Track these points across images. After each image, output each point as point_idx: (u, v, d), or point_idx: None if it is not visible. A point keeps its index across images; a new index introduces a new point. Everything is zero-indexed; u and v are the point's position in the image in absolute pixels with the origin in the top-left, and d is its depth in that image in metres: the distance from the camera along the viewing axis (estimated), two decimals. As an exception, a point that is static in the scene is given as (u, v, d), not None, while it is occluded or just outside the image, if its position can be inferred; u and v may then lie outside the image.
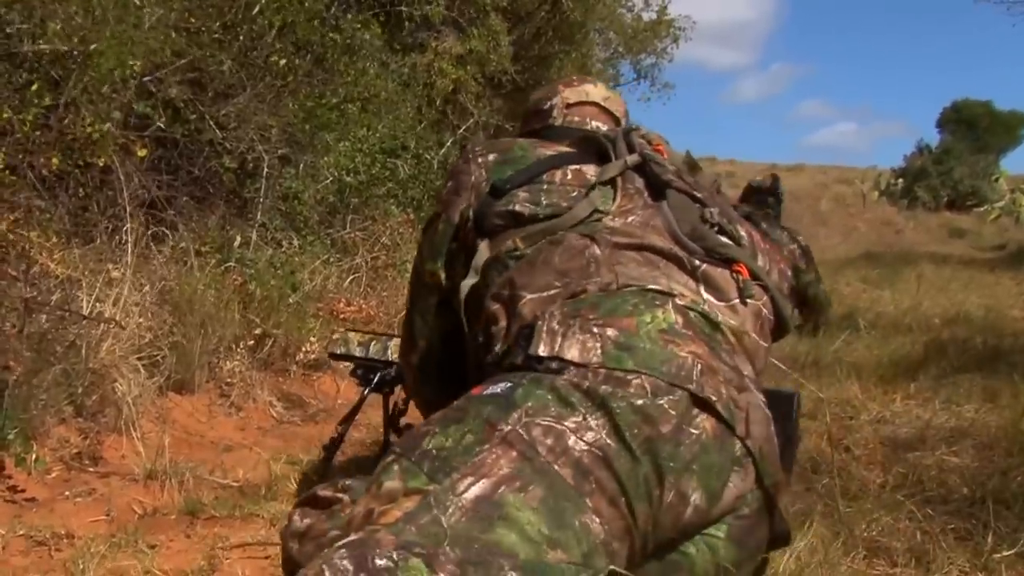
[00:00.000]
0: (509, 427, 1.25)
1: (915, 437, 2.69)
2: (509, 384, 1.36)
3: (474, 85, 6.62)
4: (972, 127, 27.39)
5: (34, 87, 2.76)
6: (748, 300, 1.60)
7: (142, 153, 3.20)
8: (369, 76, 4.96)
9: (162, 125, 3.27)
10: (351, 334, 2.20)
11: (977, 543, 1.82)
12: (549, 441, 1.24)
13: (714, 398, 1.35)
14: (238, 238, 3.57)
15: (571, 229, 1.63)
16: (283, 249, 3.79)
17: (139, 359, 2.68)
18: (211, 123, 3.53)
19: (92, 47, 2.82)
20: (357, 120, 4.72)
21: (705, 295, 1.58)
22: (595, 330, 1.42)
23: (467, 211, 1.76)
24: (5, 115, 2.67)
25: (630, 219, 1.65)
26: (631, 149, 1.77)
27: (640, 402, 1.31)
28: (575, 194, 1.69)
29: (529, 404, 1.29)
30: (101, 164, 3.00)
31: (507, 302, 1.59)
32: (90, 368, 2.47)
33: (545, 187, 1.71)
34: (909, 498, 2.06)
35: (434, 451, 1.25)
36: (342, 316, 3.74)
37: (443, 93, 6.48)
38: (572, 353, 1.39)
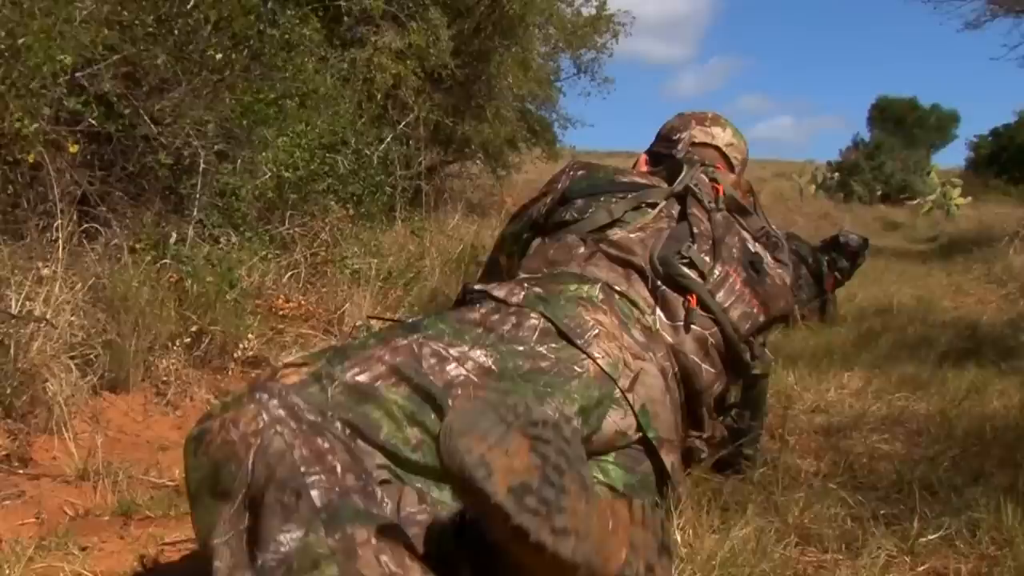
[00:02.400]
0: (405, 342, 1.53)
1: (848, 426, 2.75)
2: (421, 316, 1.70)
3: (414, 80, 6.59)
4: (900, 123, 28.01)
5: (-42, 81, 2.70)
6: (691, 326, 1.91)
7: (73, 149, 3.13)
8: (308, 71, 4.91)
9: (93, 121, 3.21)
10: (373, 321, 2.40)
11: (904, 528, 1.86)
12: (432, 360, 1.51)
13: (598, 354, 1.67)
14: (174, 235, 3.51)
15: (588, 233, 2.01)
16: (220, 246, 3.74)
17: (71, 358, 2.63)
18: (145, 118, 3.47)
19: (20, 41, 2.75)
20: (296, 115, 4.66)
21: (659, 312, 1.92)
22: (526, 286, 1.78)
23: (542, 209, 2.19)
24: (-71, 110, 2.61)
25: (633, 235, 2.01)
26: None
27: (522, 348, 1.62)
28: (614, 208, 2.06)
29: (429, 332, 1.58)
30: (31, 160, 2.94)
31: (511, 277, 2.01)
32: (19, 368, 2.42)
33: (601, 201, 2.08)
34: (841, 486, 2.11)
35: (339, 345, 1.58)
36: (281, 312, 3.70)
37: (383, 88, 6.45)
38: (498, 293, 1.75)
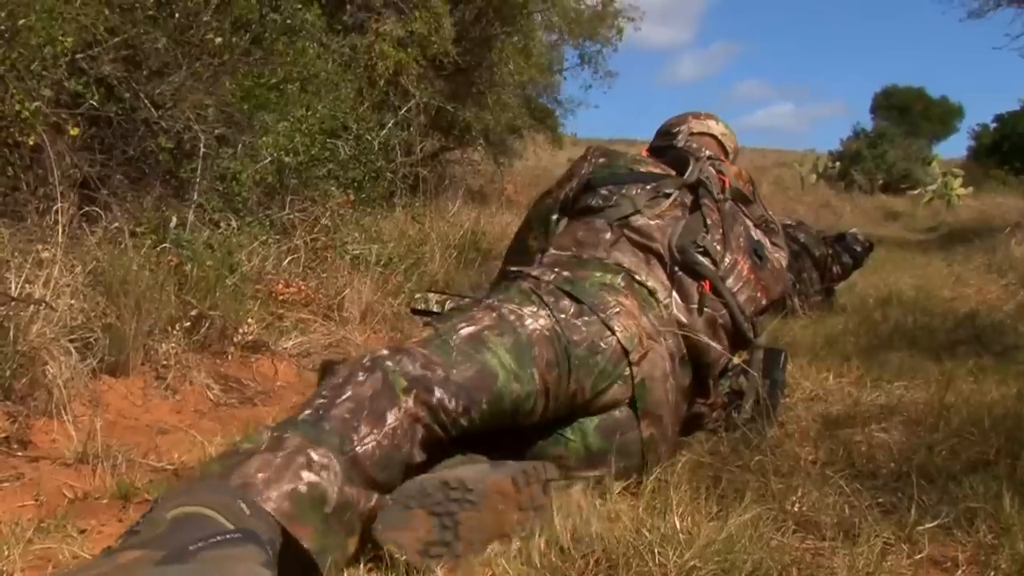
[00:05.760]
0: (489, 301, 1.94)
1: (846, 414, 2.75)
2: (484, 291, 2.14)
3: (415, 67, 6.57)
4: (905, 112, 27.91)
5: (-42, 63, 2.69)
6: (704, 309, 2.19)
7: (75, 132, 3.13)
8: (309, 56, 4.89)
9: (95, 103, 3.20)
10: (430, 294, 2.52)
11: (902, 516, 1.86)
12: (512, 316, 1.89)
13: (617, 328, 1.98)
14: (174, 219, 3.51)
15: (615, 220, 2.27)
16: (220, 230, 3.73)
17: (71, 341, 2.62)
18: (146, 102, 3.47)
19: (20, 22, 2.74)
20: (297, 100, 4.65)
21: (675, 295, 2.20)
22: (556, 271, 2.12)
23: (569, 194, 2.45)
24: (-72, 92, 2.60)
25: (653, 223, 2.27)
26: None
27: (563, 315, 1.95)
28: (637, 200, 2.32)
29: (500, 296, 1.98)
30: (31, 143, 2.93)
31: (542, 252, 2.32)
32: (19, 350, 2.42)
33: (623, 192, 2.33)
34: (839, 474, 2.11)
35: (442, 315, 2.04)
36: (281, 297, 3.70)
37: (385, 75, 6.43)
38: (535, 273, 2.10)
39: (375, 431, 1.58)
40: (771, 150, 26.71)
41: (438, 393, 1.68)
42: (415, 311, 2.54)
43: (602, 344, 1.95)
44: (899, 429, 2.56)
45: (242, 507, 1.32)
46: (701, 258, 2.23)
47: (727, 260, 2.27)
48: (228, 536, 1.24)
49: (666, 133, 2.72)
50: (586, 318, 1.97)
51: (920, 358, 3.50)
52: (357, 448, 1.55)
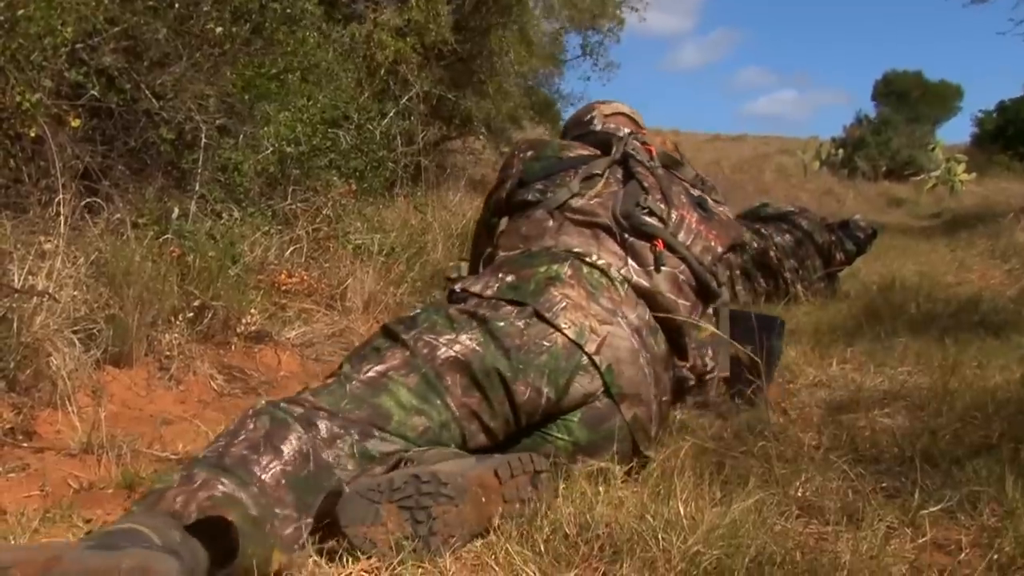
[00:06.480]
0: (406, 337, 1.89)
1: (850, 400, 2.75)
2: (419, 310, 2.02)
3: (415, 56, 6.55)
4: (904, 98, 27.81)
5: (-42, 54, 2.68)
6: (662, 268, 2.21)
7: (76, 123, 3.12)
8: (309, 46, 4.87)
9: (96, 94, 3.19)
10: (463, 263, 2.62)
11: (905, 500, 1.87)
12: (425, 351, 1.86)
13: (563, 324, 1.96)
14: (176, 210, 3.50)
15: (554, 208, 2.30)
16: (223, 220, 3.73)
17: (74, 332, 2.63)
18: (147, 92, 3.46)
19: (19, 12, 2.74)
20: (297, 90, 4.64)
21: (630, 262, 2.22)
22: (499, 275, 2.11)
23: (503, 195, 2.49)
24: (-71, 84, 2.59)
25: (592, 201, 2.31)
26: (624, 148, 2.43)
27: (502, 323, 1.93)
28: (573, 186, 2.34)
29: (424, 325, 1.92)
30: (32, 135, 2.93)
31: (489, 258, 2.32)
32: (22, 342, 2.42)
33: (558, 183, 2.37)
34: (842, 459, 2.11)
35: (360, 351, 1.94)
36: (283, 288, 3.70)
37: (384, 64, 6.41)
38: (475, 288, 2.08)
39: (276, 460, 1.61)
40: (774, 137, 26.69)
41: (323, 427, 1.70)
42: (449, 279, 2.58)
43: (545, 343, 1.94)
44: (902, 414, 2.57)
45: (174, 534, 1.43)
46: (647, 219, 2.26)
47: (673, 216, 2.31)
48: (155, 548, 1.38)
49: (579, 123, 2.76)
50: (527, 319, 1.96)
51: (923, 343, 3.50)
52: (263, 476, 1.58)
